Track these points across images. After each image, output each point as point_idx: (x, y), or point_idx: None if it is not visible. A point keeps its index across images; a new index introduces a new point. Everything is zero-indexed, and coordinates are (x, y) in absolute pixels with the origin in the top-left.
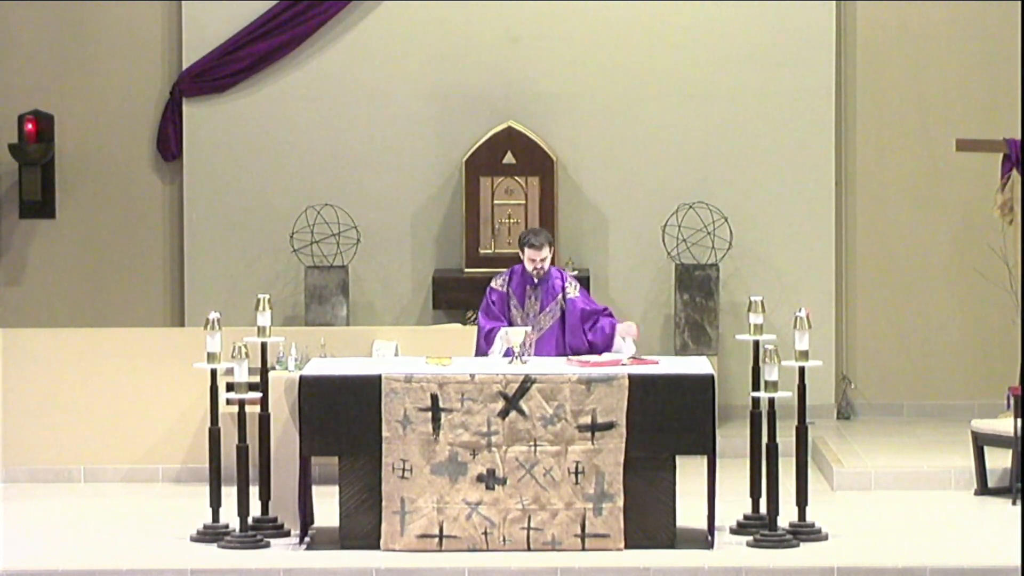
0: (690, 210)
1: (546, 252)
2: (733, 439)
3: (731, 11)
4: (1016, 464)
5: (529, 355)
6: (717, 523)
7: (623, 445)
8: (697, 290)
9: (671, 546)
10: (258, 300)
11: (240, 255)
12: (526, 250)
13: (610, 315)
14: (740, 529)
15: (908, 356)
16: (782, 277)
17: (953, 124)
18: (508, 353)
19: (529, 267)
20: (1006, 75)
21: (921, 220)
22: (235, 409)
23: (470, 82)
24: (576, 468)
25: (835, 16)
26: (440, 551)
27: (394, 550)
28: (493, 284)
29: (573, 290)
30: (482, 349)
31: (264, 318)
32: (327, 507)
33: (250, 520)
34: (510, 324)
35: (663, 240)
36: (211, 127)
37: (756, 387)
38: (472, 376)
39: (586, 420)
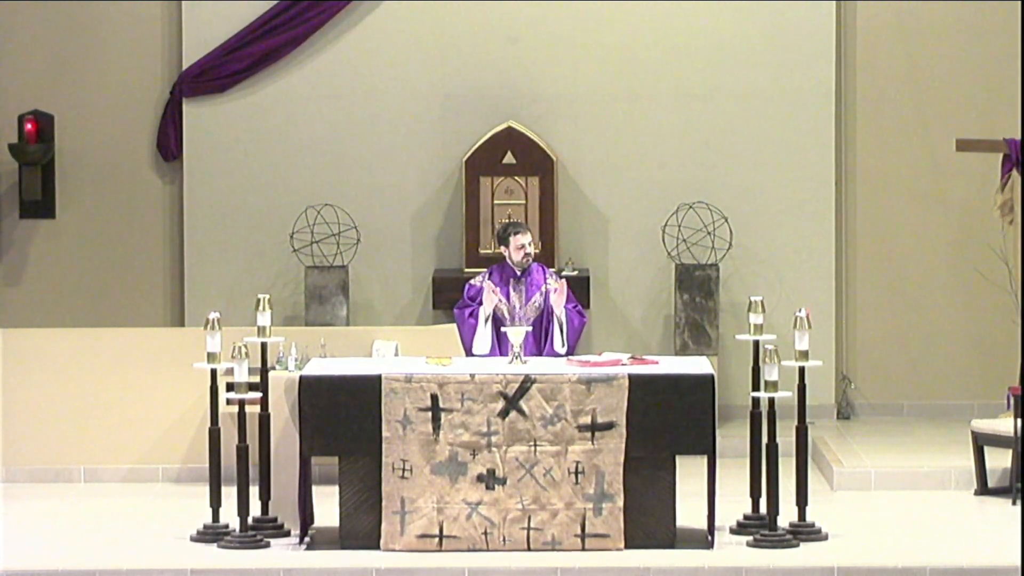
0: (690, 210)
1: (530, 236)
2: (733, 439)
3: (731, 11)
4: (1016, 464)
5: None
6: (717, 523)
7: (623, 445)
8: (697, 290)
9: (671, 546)
10: (258, 300)
11: (240, 255)
12: (512, 238)
13: (579, 312)
14: (740, 529)
15: (908, 356)
16: (782, 277)
17: (953, 124)
18: (498, 321)
19: (518, 256)
20: (1006, 75)
21: (921, 220)
22: (235, 409)
23: (470, 82)
24: (576, 468)
25: (835, 16)
26: (440, 551)
27: (394, 550)
28: (472, 282)
29: (554, 281)
30: (468, 328)
31: (264, 318)
32: (327, 507)
33: (250, 520)
34: (497, 320)
35: (663, 240)
36: (211, 127)
37: (756, 387)
38: (472, 376)
39: (586, 420)
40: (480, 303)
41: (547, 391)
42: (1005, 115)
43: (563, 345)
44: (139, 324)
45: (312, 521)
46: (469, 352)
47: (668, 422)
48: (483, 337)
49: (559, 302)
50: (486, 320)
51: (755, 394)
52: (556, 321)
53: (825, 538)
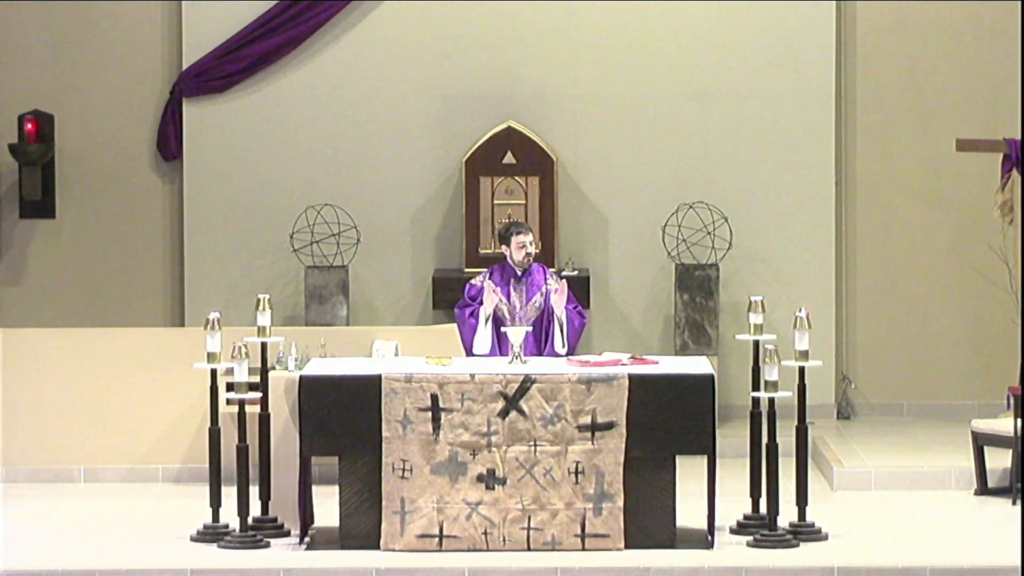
0: (690, 210)
1: (532, 236)
2: (733, 439)
3: (731, 11)
4: (1016, 464)
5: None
6: (717, 523)
7: (623, 445)
8: (697, 290)
9: (671, 546)
10: (258, 300)
11: (240, 255)
12: (514, 238)
13: (579, 313)
14: (740, 529)
15: (908, 356)
16: (782, 277)
17: (953, 124)
18: (498, 322)
19: (519, 255)
20: (1006, 75)
21: (921, 220)
22: (235, 409)
23: (470, 82)
24: (576, 468)
25: (835, 16)
26: (440, 551)
27: (394, 550)
28: (473, 282)
29: (554, 282)
30: (469, 328)
31: (264, 318)
32: (327, 507)
33: (250, 520)
34: (497, 320)
35: (663, 240)
36: (211, 127)
37: (756, 387)
38: (472, 376)
39: (586, 420)
40: (481, 303)
41: (547, 391)
42: (1005, 115)
43: (563, 346)
44: (139, 324)
45: (312, 521)
46: (469, 352)
47: (668, 422)
48: (483, 337)
49: (560, 302)
50: (486, 320)
51: (755, 394)
52: (556, 321)
53: (825, 538)
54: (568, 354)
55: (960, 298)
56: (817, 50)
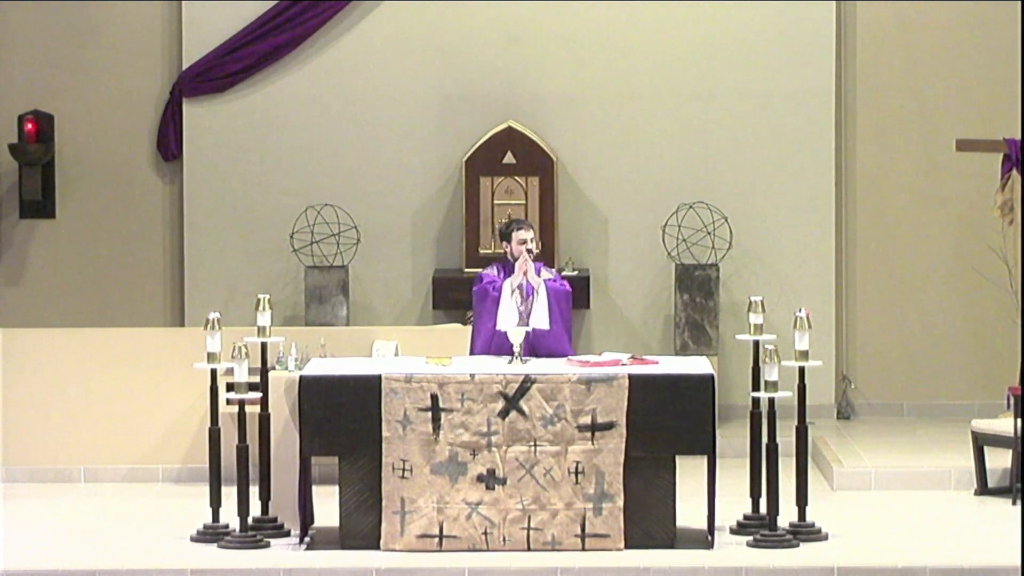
0: (690, 210)
1: (533, 233)
2: (733, 439)
3: (731, 11)
4: (1016, 464)
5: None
6: (717, 523)
7: (623, 445)
8: (697, 290)
9: (671, 546)
10: (258, 300)
11: (240, 255)
12: (515, 234)
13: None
14: (740, 529)
15: (908, 356)
16: (782, 277)
17: (953, 124)
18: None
19: (519, 252)
20: (1006, 75)
21: (921, 220)
22: (235, 409)
23: (470, 82)
24: (576, 468)
25: (835, 16)
26: (440, 551)
27: (394, 550)
28: (485, 271)
29: (547, 273)
30: (492, 301)
31: (264, 318)
32: (327, 507)
33: (250, 520)
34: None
35: (663, 240)
36: (211, 127)
37: (756, 387)
38: (472, 376)
39: (586, 420)
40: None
41: (547, 391)
42: (1005, 115)
43: (547, 319)
44: (139, 324)
45: (312, 521)
46: (491, 330)
47: (668, 422)
48: (508, 308)
49: (530, 272)
50: (512, 291)
51: (755, 394)
52: (534, 292)
53: (825, 538)
54: (553, 323)
55: (960, 298)
56: (817, 50)
